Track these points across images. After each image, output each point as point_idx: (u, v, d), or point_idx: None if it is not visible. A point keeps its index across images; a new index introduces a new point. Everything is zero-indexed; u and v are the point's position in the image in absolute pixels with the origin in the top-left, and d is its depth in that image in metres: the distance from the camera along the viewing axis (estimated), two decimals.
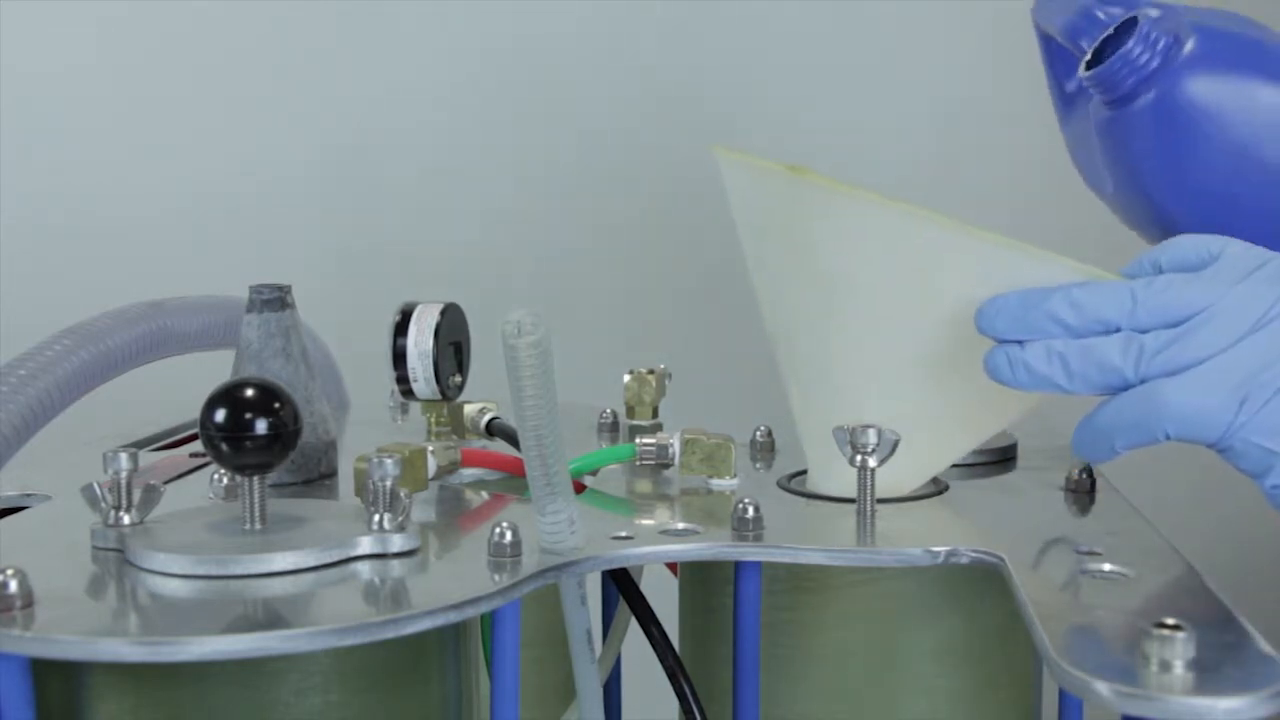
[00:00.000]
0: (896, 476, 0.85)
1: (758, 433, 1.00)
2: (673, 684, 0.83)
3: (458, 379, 0.99)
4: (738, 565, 0.79)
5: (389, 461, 0.73)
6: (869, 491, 0.82)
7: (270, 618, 0.67)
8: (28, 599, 0.65)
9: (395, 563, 0.73)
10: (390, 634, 0.65)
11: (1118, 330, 0.77)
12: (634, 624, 0.86)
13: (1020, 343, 0.78)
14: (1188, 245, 0.80)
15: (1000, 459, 0.98)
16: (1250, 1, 1.05)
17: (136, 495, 0.75)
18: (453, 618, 0.67)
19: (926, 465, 0.88)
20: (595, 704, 0.88)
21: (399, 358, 0.96)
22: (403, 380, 0.97)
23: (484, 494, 0.90)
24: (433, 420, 1.00)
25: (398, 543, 0.74)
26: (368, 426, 1.12)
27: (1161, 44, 0.93)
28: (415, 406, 1.09)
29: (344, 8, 1.57)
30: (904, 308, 0.83)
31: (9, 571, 0.65)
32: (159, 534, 0.74)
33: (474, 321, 1.01)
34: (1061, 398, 0.80)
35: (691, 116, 1.59)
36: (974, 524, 0.85)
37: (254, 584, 0.70)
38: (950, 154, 1.59)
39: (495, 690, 0.73)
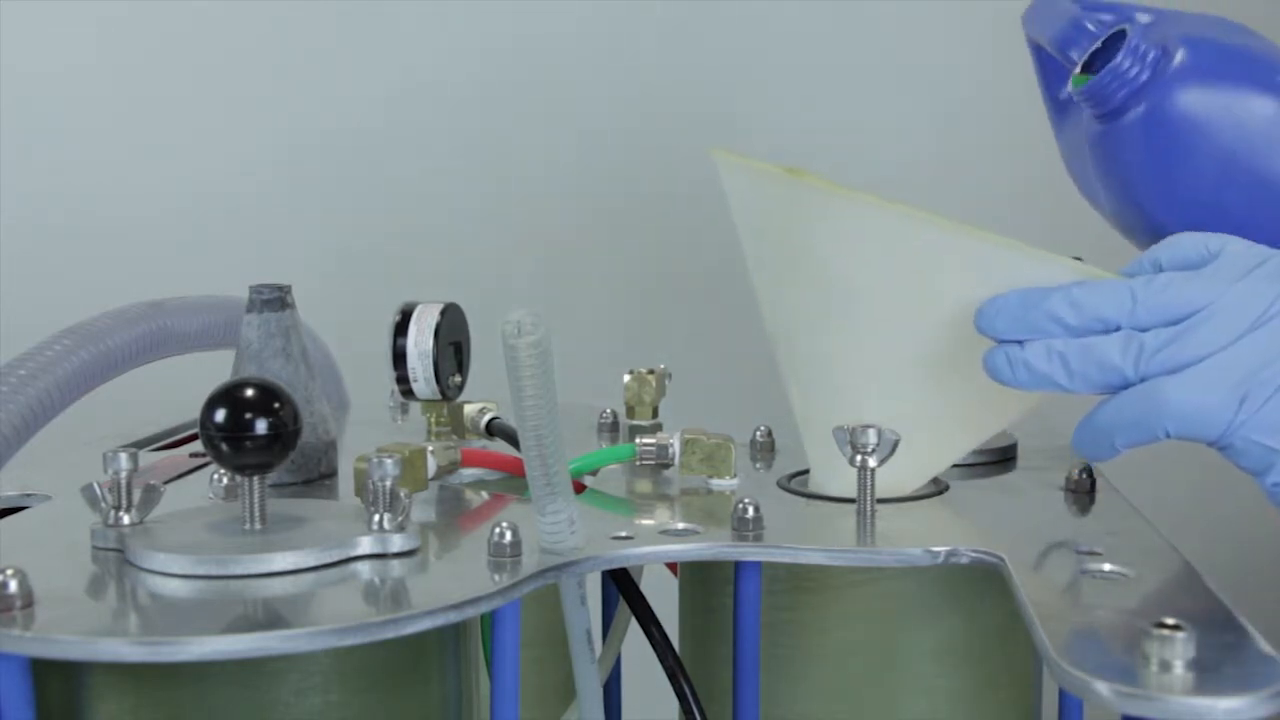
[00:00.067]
0: (897, 476, 0.85)
1: (758, 433, 1.00)
2: (673, 684, 0.83)
3: (458, 379, 0.99)
4: (738, 565, 0.79)
5: (389, 461, 0.73)
6: (869, 491, 0.82)
7: (270, 618, 0.67)
8: (28, 599, 0.65)
9: (395, 563, 0.73)
10: (390, 634, 0.65)
11: (1117, 329, 0.77)
12: (634, 624, 0.86)
13: (1020, 342, 0.78)
14: (1187, 243, 0.80)
15: (1000, 459, 0.98)
16: (1248, 2, 1.05)
17: (136, 495, 0.75)
18: (453, 618, 0.67)
19: (926, 465, 0.88)
20: (595, 704, 0.88)
21: (399, 358, 0.96)
22: (403, 380, 0.97)
23: (484, 494, 0.90)
24: (433, 420, 1.00)
25: (398, 543, 0.74)
26: (368, 426, 1.12)
27: (1150, 56, 0.93)
28: (415, 406, 1.09)
29: (344, 8, 1.57)
30: (903, 308, 0.83)
31: (9, 571, 0.65)
32: (159, 534, 0.74)
33: (474, 321, 1.01)
34: (1061, 397, 0.80)
35: (691, 117, 1.59)
36: (974, 524, 0.85)
37: (254, 584, 0.70)
38: (950, 154, 1.59)
39: (495, 690, 0.73)
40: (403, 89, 1.59)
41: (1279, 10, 1.48)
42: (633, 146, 1.60)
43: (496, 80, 1.59)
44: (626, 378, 1.09)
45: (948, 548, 0.77)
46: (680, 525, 0.81)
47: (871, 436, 0.81)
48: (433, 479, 0.90)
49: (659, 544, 0.78)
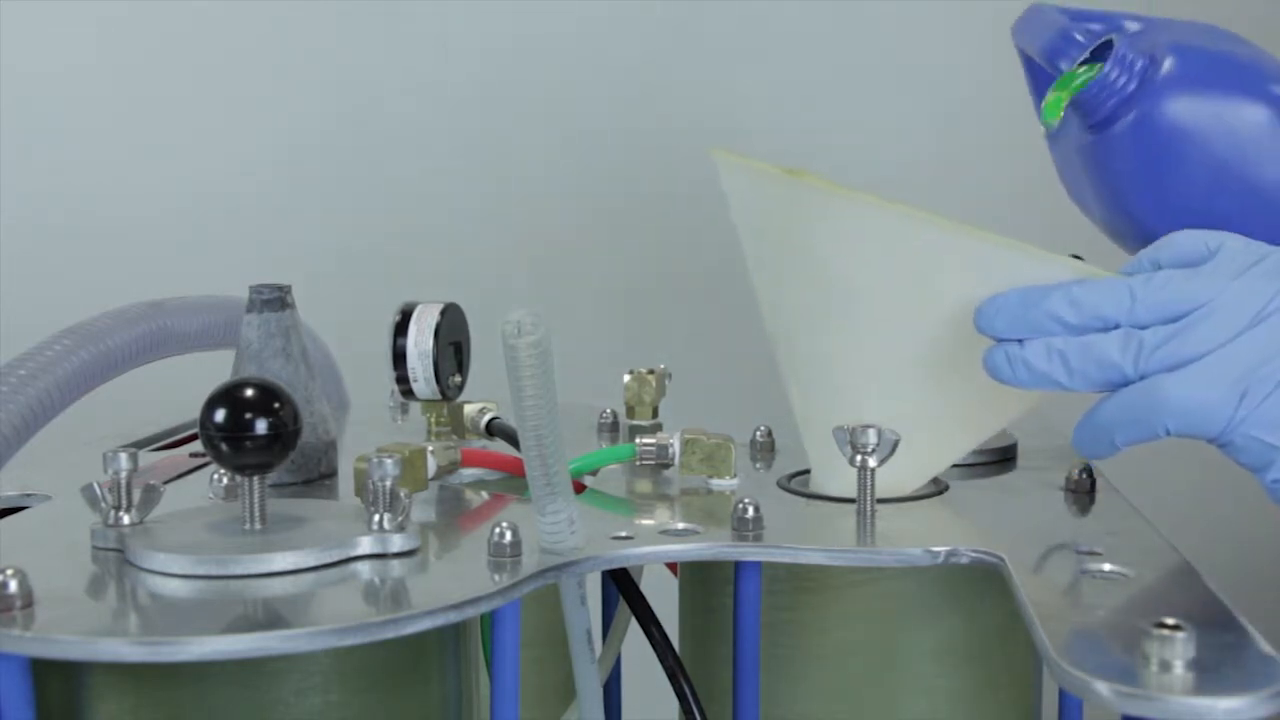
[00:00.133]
0: (897, 476, 0.85)
1: (758, 433, 1.00)
2: (673, 684, 0.83)
3: (458, 379, 0.99)
4: (738, 565, 0.79)
5: (389, 461, 0.73)
6: (869, 491, 0.82)
7: (270, 618, 0.67)
8: (28, 599, 0.65)
9: (395, 563, 0.73)
10: (390, 634, 0.65)
11: (1117, 327, 0.77)
12: (634, 624, 0.86)
13: (1019, 341, 0.78)
14: (1186, 241, 0.80)
15: (1000, 459, 0.99)
16: (1246, 3, 1.05)
17: (136, 495, 0.75)
18: (453, 618, 0.67)
19: (926, 465, 0.88)
20: (595, 704, 0.88)
21: (399, 358, 0.96)
22: (403, 380, 0.97)
23: (484, 494, 0.90)
24: (433, 420, 1.00)
25: (398, 543, 0.74)
26: (368, 426, 1.12)
27: (1138, 65, 0.93)
28: (415, 406, 1.09)
29: (344, 8, 1.57)
30: (903, 308, 0.83)
31: (9, 571, 0.65)
32: (159, 534, 0.74)
33: (474, 321, 1.01)
34: (1061, 397, 0.80)
35: (691, 117, 1.59)
36: (974, 524, 0.85)
37: (254, 584, 0.70)
38: (950, 154, 1.59)
39: (495, 690, 0.73)
40: (403, 89, 1.59)
41: (1278, 10, 1.48)
42: (633, 146, 1.60)
43: (496, 80, 1.59)
44: (626, 378, 1.09)
45: (948, 548, 0.77)
46: (680, 525, 0.81)
47: (871, 436, 0.81)
48: (433, 479, 0.90)
49: (659, 544, 0.78)
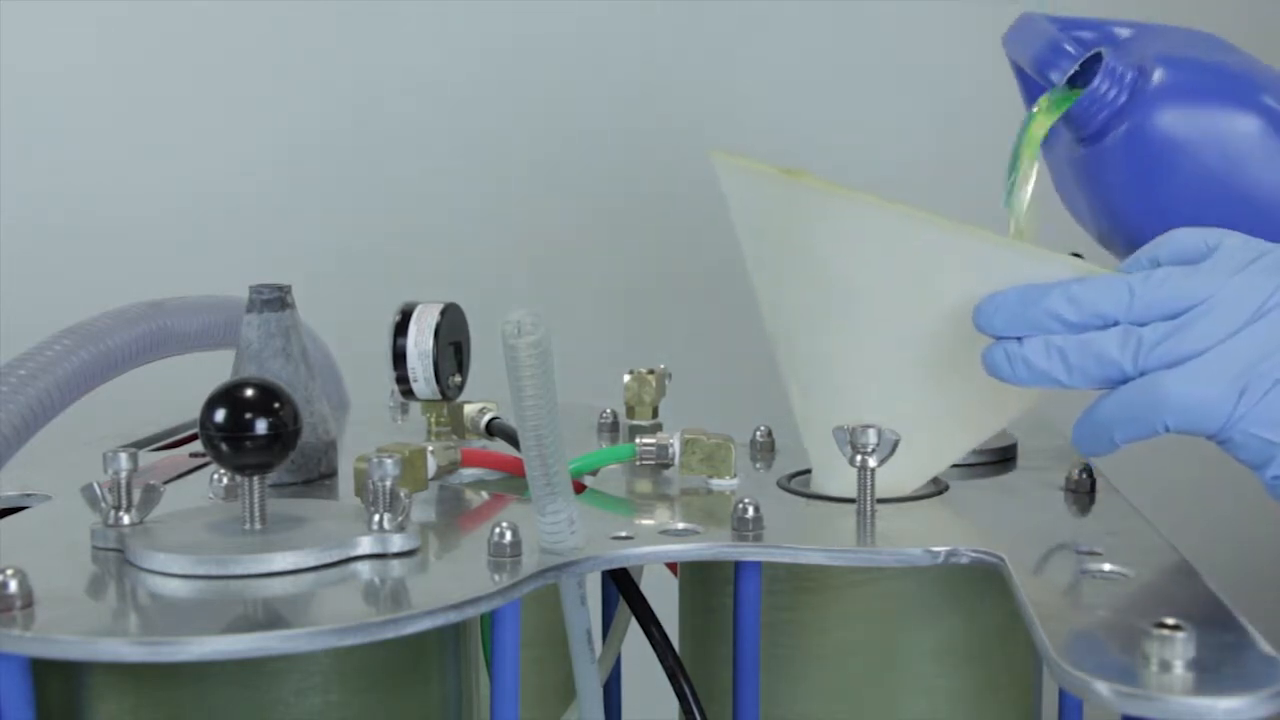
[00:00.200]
0: (897, 476, 0.85)
1: (758, 433, 1.00)
2: (673, 684, 0.83)
3: (458, 379, 0.99)
4: (738, 565, 0.79)
5: (389, 461, 0.73)
6: (869, 491, 0.82)
7: (270, 618, 0.67)
8: (28, 599, 0.65)
9: (395, 563, 0.73)
10: (390, 634, 0.65)
11: (1116, 324, 0.77)
12: (634, 624, 0.86)
13: (1019, 339, 0.78)
14: (1185, 239, 0.80)
15: (1000, 459, 0.98)
16: (1244, 4, 1.05)
17: (136, 495, 0.75)
18: (453, 618, 0.67)
19: (926, 465, 0.88)
20: (595, 704, 0.88)
21: (399, 358, 0.96)
22: (403, 380, 0.97)
23: (484, 494, 0.90)
24: (433, 420, 1.00)
25: (398, 543, 0.74)
26: (368, 426, 1.12)
27: (1128, 78, 0.93)
28: (415, 406, 1.09)
29: (344, 8, 1.57)
30: (903, 308, 0.83)
31: (9, 571, 0.65)
32: (159, 534, 0.74)
33: (474, 321, 1.01)
34: (1060, 396, 0.80)
35: (691, 117, 1.59)
36: (974, 524, 0.85)
37: (254, 584, 0.70)
38: (950, 154, 1.59)
39: (495, 690, 0.73)
40: (403, 89, 1.59)
41: (1277, 10, 1.48)
42: (633, 146, 1.60)
43: (496, 80, 1.59)
44: (626, 378, 1.09)
45: (948, 548, 0.77)
46: (680, 525, 0.81)
47: (871, 436, 0.81)
48: (433, 479, 0.90)
49: (659, 544, 0.78)
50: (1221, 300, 0.75)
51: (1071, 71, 0.96)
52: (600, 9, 1.59)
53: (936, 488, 0.89)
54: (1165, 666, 0.58)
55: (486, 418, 0.99)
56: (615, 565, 0.79)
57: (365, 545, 0.73)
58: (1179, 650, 0.58)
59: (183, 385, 0.96)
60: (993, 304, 0.78)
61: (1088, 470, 0.90)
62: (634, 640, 0.90)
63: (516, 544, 0.73)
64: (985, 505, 0.89)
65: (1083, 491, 0.90)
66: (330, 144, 1.58)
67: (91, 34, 1.55)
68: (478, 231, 1.60)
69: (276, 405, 0.74)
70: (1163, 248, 0.80)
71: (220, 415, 0.73)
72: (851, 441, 0.81)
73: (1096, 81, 0.93)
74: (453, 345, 0.98)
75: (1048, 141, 0.99)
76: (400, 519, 0.74)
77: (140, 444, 1.06)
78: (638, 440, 0.92)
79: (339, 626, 0.64)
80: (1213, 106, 0.94)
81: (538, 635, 0.99)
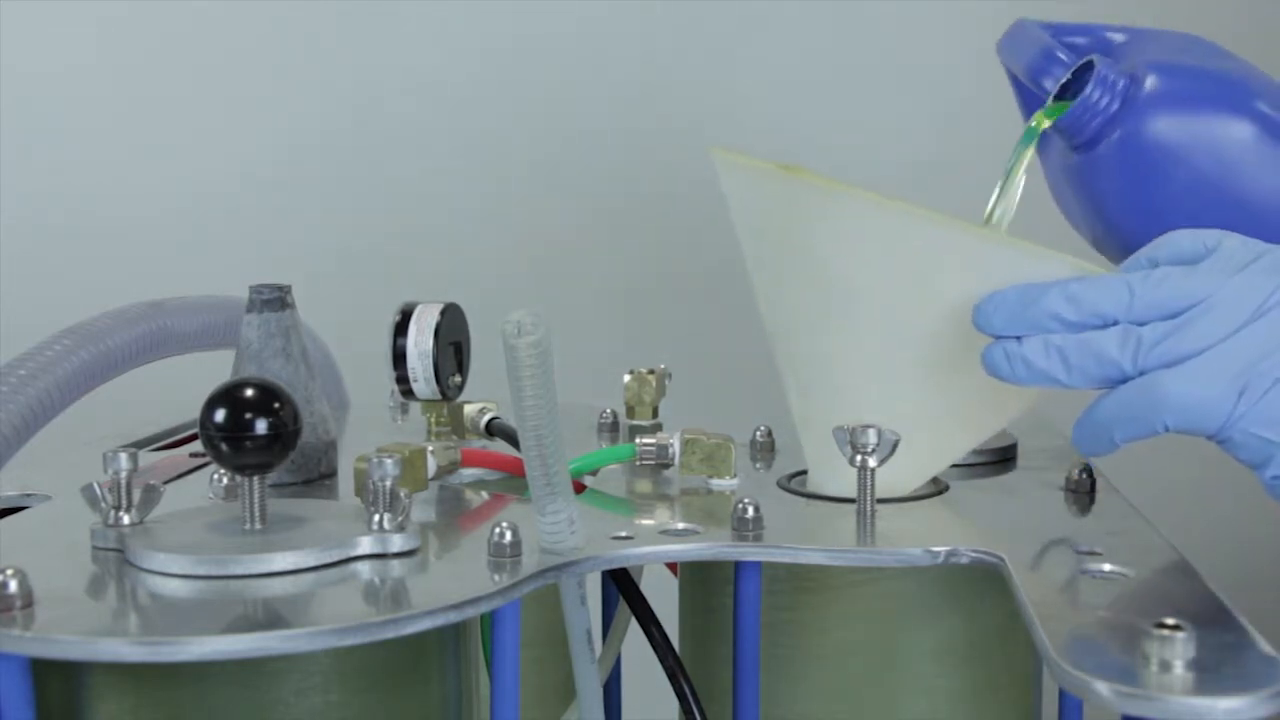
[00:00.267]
0: (896, 476, 0.85)
1: (758, 433, 1.00)
2: (673, 684, 0.83)
3: (458, 379, 0.99)
4: (738, 565, 0.79)
5: (389, 461, 0.73)
6: (869, 491, 0.82)
7: (270, 618, 0.67)
8: (28, 599, 0.65)
9: (395, 563, 0.73)
10: (390, 634, 0.65)
11: (1115, 324, 0.77)
12: (634, 624, 0.86)
13: (1018, 338, 0.78)
14: (1184, 240, 0.80)
15: (1000, 459, 0.98)
16: (1243, 6, 1.05)
17: (136, 495, 0.75)
18: (453, 618, 0.67)
19: (926, 465, 0.88)
20: (595, 704, 0.88)
21: (399, 358, 0.96)
22: (403, 380, 0.97)
23: (484, 494, 0.90)
24: (433, 420, 1.00)
25: (398, 543, 0.74)
26: (368, 426, 1.12)
27: (1120, 85, 0.93)
28: (415, 406, 1.09)
29: (344, 8, 1.57)
30: (903, 306, 0.83)
31: (9, 571, 0.65)
32: (159, 534, 0.74)
33: (474, 321, 1.01)
34: (1060, 396, 0.80)
35: (691, 116, 1.59)
36: (974, 524, 0.85)
37: (254, 584, 0.70)
38: (950, 154, 1.59)
39: (495, 690, 0.73)
40: (403, 89, 1.59)
41: (1276, 12, 1.48)
42: (633, 146, 1.60)
43: (496, 80, 1.59)
44: (626, 378, 1.09)
45: (948, 548, 0.77)
46: (680, 525, 0.81)
47: (871, 436, 0.81)
48: (433, 479, 0.90)
49: (659, 544, 0.78)
50: (1221, 300, 0.75)
51: (1065, 79, 0.96)
52: (600, 9, 1.59)
53: (936, 488, 0.89)
54: (1165, 666, 0.58)
55: (486, 418, 0.99)
56: (615, 565, 0.79)
57: (365, 545, 0.73)
58: (1179, 650, 0.58)
59: (183, 385, 0.96)
60: (992, 303, 0.78)
61: (1088, 470, 0.90)
62: (634, 640, 0.90)
63: (516, 544, 0.73)
64: (985, 505, 0.89)
65: (1083, 491, 0.90)
66: (330, 144, 1.58)
67: (91, 34, 1.55)
68: (478, 231, 1.60)
69: (276, 405, 0.74)
70: (1161, 249, 0.80)
71: (220, 415, 0.73)
72: (851, 441, 0.81)
73: (1089, 89, 0.93)
74: (453, 345, 0.98)
75: (1042, 149, 0.99)
76: (400, 519, 0.74)
77: (140, 444, 1.06)
78: (638, 440, 0.92)
79: (339, 626, 0.64)
80: (1205, 112, 0.94)
81: (538, 635, 0.99)
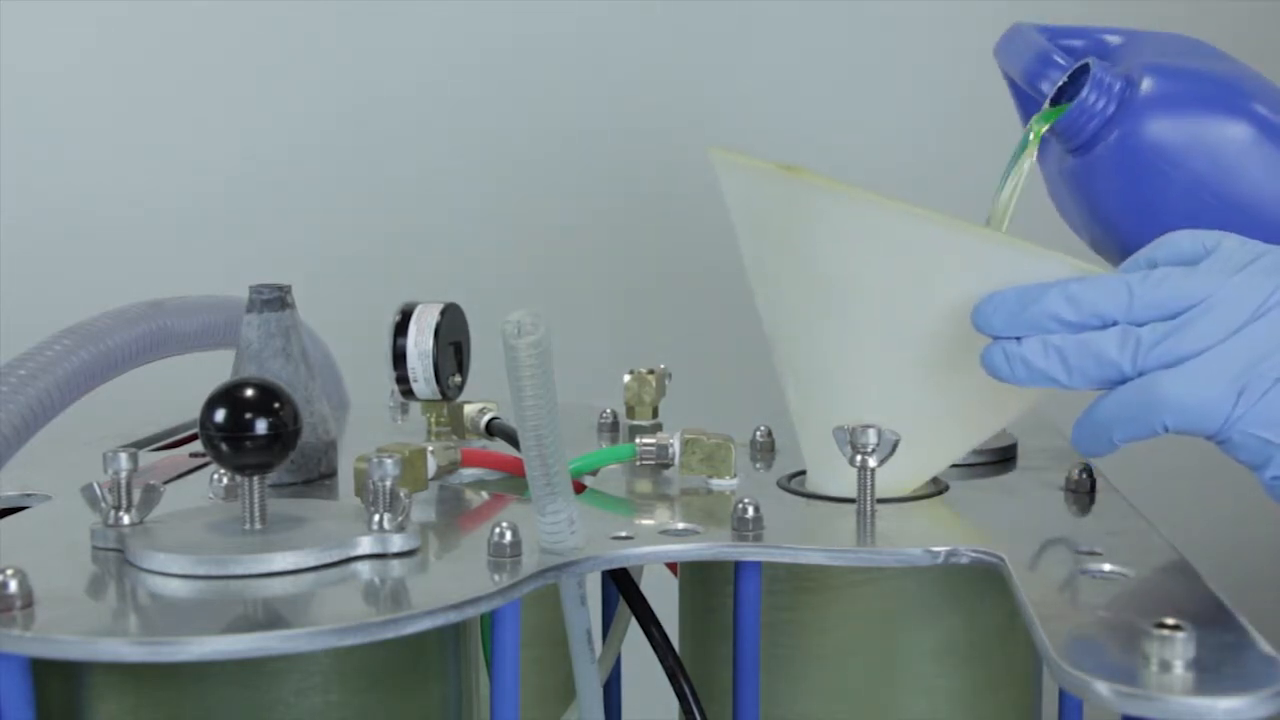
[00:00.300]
0: (896, 476, 0.85)
1: (758, 433, 1.00)
2: (673, 684, 0.83)
3: (458, 379, 0.99)
4: (738, 565, 0.79)
5: (389, 461, 0.73)
6: (869, 491, 0.82)
7: (270, 618, 0.67)
8: (28, 599, 0.65)
9: (395, 563, 0.73)
10: (390, 634, 0.65)
11: (1114, 324, 0.77)
12: (634, 624, 0.86)
13: (1017, 338, 0.78)
14: (1183, 240, 0.79)
15: (1000, 459, 0.98)
16: (1242, 8, 1.05)
17: (136, 495, 0.75)
18: (453, 618, 0.67)
19: (926, 465, 0.88)
20: (595, 704, 0.88)
21: (399, 358, 0.96)
22: (403, 380, 0.97)
23: (484, 494, 0.90)
24: (433, 420, 1.00)
25: (398, 543, 0.74)
26: (368, 426, 1.12)
27: (1117, 88, 0.93)
28: (415, 406, 1.09)
29: (344, 8, 1.58)
30: (902, 306, 0.83)
31: (9, 571, 0.65)
32: (159, 534, 0.74)
33: (474, 321, 1.01)
34: (1060, 396, 0.80)
35: (691, 116, 1.59)
36: (974, 524, 0.85)
37: (254, 584, 0.70)
38: (950, 154, 1.59)
39: (495, 690, 0.73)
40: (403, 89, 1.59)
41: (1276, 12, 1.48)
42: (633, 146, 1.60)
43: (496, 80, 1.59)
44: (626, 378, 1.09)
45: (948, 548, 0.77)
46: (680, 525, 0.81)
47: (871, 436, 0.81)
48: (433, 479, 0.90)
49: (659, 544, 0.78)
50: (1220, 300, 0.75)
51: (1061, 82, 0.97)
52: (600, 9, 1.59)
53: (936, 488, 0.89)
54: (1165, 666, 0.58)
55: (486, 418, 0.99)
56: (615, 565, 0.79)
57: (365, 545, 0.73)
58: (1179, 650, 0.58)
59: (183, 385, 0.96)
60: (991, 304, 0.78)
61: (1088, 470, 0.90)
62: (634, 640, 0.90)
63: (516, 544, 0.73)
64: (985, 505, 0.89)
65: (1083, 491, 0.90)
66: (330, 144, 1.58)
67: (91, 34, 1.55)
68: (478, 231, 1.60)
69: (276, 405, 0.74)
70: (1160, 249, 0.80)
71: (220, 415, 0.73)
72: (851, 441, 0.81)
73: (1085, 92, 0.93)
74: (453, 345, 0.98)
75: (1040, 152, 1.00)
76: (400, 519, 0.74)
77: (140, 444, 1.06)
78: (638, 440, 0.92)
79: (339, 626, 0.64)
80: (1202, 114, 0.94)
81: (538, 635, 0.99)
